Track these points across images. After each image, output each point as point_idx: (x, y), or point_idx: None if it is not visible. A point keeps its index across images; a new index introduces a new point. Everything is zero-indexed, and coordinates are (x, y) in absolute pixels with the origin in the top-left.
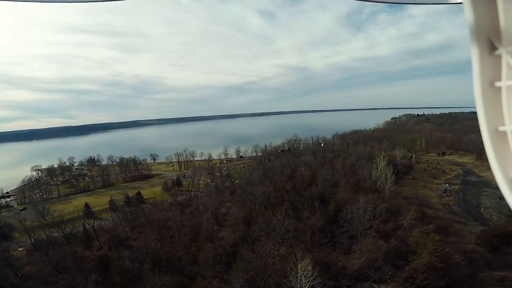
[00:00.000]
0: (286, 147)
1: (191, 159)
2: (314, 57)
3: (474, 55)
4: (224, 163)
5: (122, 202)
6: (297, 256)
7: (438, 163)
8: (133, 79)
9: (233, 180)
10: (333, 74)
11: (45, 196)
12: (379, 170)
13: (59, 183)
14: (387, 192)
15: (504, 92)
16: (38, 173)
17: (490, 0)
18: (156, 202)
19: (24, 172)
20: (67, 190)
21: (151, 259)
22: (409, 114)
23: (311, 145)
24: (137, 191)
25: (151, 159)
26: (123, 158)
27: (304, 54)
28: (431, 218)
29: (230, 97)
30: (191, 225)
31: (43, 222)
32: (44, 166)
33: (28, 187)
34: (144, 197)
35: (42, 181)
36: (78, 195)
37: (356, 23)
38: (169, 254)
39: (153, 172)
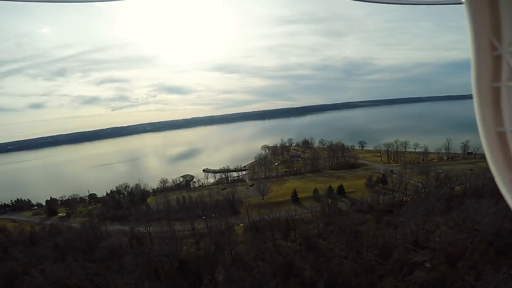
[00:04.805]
0: None
1: (403, 149)
2: None
3: (474, 55)
4: (443, 160)
5: (324, 192)
6: None
7: None
8: (341, 62)
9: (452, 187)
10: None
11: (267, 173)
12: None
13: (279, 161)
14: None
15: (503, 93)
16: (265, 151)
17: (490, 0)
18: (355, 199)
19: (257, 146)
20: (284, 170)
21: (329, 272)
22: None
23: None
24: (339, 184)
25: (359, 145)
26: (332, 143)
27: None
28: None
29: (452, 75)
30: (383, 241)
31: (261, 200)
32: (270, 144)
33: (258, 163)
34: (346, 190)
35: (267, 159)
36: (291, 177)
37: None
38: (349, 270)
39: (359, 161)
